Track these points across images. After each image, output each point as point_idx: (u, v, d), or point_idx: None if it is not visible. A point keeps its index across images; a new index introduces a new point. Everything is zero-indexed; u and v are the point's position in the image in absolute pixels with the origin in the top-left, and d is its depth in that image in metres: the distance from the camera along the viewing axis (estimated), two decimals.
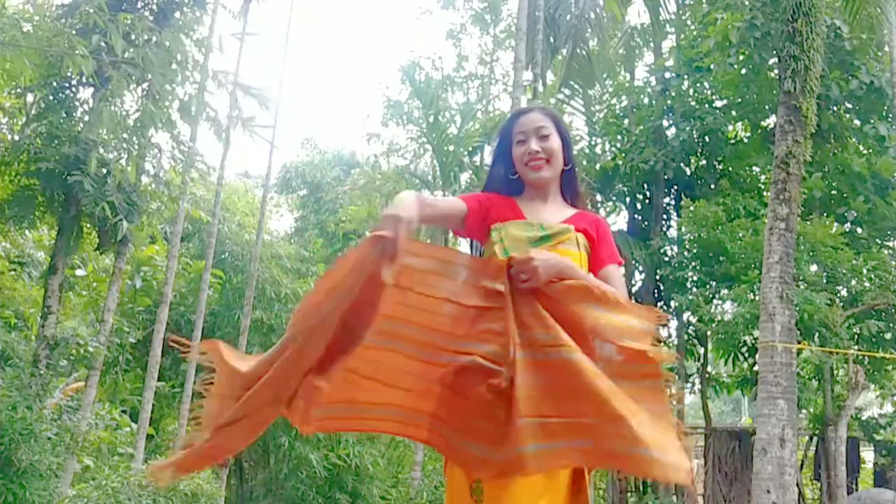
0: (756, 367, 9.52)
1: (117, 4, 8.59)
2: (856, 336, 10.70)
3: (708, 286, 11.65)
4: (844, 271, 10.68)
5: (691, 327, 12.81)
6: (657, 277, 12.59)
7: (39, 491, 7.26)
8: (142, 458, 9.19)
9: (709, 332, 11.82)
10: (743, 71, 11.66)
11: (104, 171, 8.47)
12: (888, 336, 10.85)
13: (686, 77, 12.70)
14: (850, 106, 11.50)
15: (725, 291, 11.64)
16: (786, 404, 7.87)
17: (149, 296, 12.00)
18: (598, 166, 13.06)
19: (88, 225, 9.13)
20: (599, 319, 1.89)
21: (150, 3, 9.41)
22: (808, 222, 10.84)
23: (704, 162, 13.16)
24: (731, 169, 13.17)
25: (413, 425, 2.00)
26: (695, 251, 11.70)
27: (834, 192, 12.12)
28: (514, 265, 1.93)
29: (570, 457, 1.83)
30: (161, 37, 8.70)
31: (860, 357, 10.70)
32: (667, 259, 12.27)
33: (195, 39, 9.58)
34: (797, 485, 10.13)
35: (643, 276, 12.92)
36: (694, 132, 12.20)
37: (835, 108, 11.37)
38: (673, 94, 12.68)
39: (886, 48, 10.83)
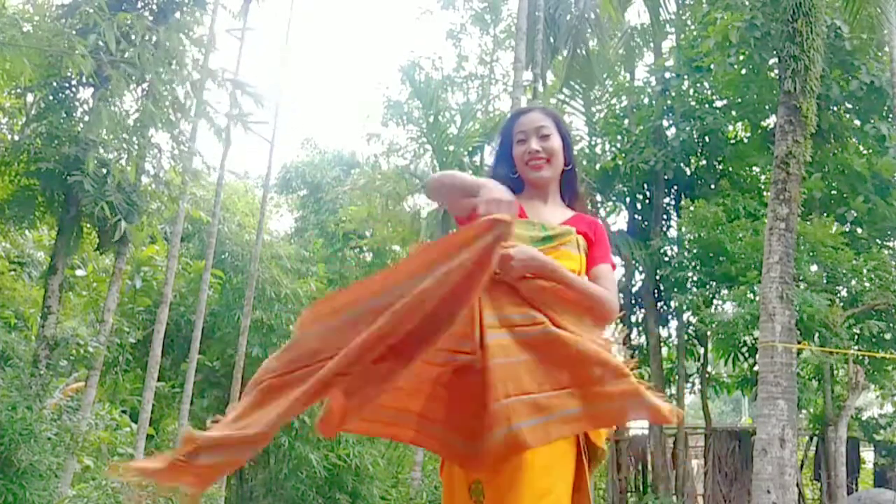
0: (756, 368, 9.52)
1: (117, 4, 8.59)
2: (856, 336, 10.70)
3: (708, 286, 11.65)
4: (844, 271, 10.68)
5: (691, 327, 12.82)
6: (657, 277, 12.59)
7: (39, 491, 7.26)
8: (142, 458, 9.18)
9: (709, 333, 11.83)
10: (743, 71, 11.65)
11: (104, 171, 8.46)
12: (888, 336, 10.84)
13: (686, 77, 12.68)
14: (850, 106, 11.49)
15: (725, 292, 11.63)
16: (786, 404, 7.87)
17: (149, 296, 11.99)
18: (598, 166, 13.05)
19: (88, 225, 9.11)
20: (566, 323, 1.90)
21: (150, 2, 9.40)
22: (808, 222, 10.83)
23: (704, 162, 13.15)
24: (731, 169, 13.16)
25: (398, 425, 1.96)
26: (695, 251, 11.69)
27: (834, 192, 12.12)
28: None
29: (563, 428, 1.82)
30: (160, 36, 8.70)
31: (860, 357, 10.69)
32: (667, 259, 12.26)
33: (194, 39, 9.57)
34: (797, 485, 10.14)
35: (643, 276, 12.92)
36: (694, 132, 12.19)
37: (835, 108, 11.36)
38: (673, 94, 12.66)
39: (886, 48, 10.83)
